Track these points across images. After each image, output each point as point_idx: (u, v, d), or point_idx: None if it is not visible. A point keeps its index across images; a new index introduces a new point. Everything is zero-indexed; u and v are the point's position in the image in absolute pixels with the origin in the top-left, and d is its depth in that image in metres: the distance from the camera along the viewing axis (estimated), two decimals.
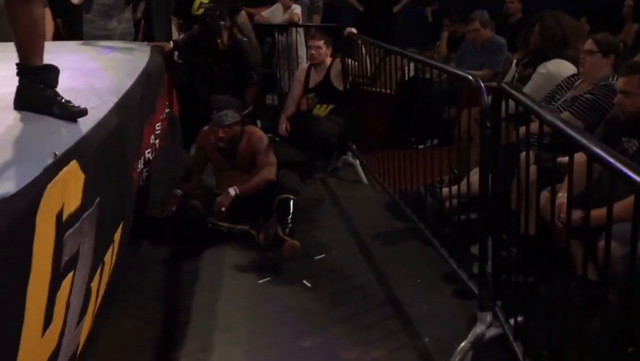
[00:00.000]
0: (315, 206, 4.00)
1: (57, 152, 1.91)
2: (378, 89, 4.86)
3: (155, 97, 3.77)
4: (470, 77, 2.66)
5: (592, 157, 1.68)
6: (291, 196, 3.43)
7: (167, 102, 4.16)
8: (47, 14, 4.28)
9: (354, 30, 4.86)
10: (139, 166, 3.22)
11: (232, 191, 3.49)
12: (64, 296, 1.87)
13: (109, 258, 2.54)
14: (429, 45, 6.71)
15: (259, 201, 3.55)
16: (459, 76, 2.96)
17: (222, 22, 4.53)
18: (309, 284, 3.03)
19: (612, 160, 1.57)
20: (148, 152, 3.50)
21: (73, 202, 1.98)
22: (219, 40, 4.64)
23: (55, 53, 3.39)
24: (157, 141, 3.88)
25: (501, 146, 2.42)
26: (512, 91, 2.26)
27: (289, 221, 3.33)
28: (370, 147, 4.65)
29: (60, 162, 1.87)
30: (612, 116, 2.63)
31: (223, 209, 3.45)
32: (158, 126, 3.92)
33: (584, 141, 1.72)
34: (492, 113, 2.34)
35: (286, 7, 5.89)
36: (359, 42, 4.73)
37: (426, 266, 3.17)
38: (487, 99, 2.39)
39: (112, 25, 4.23)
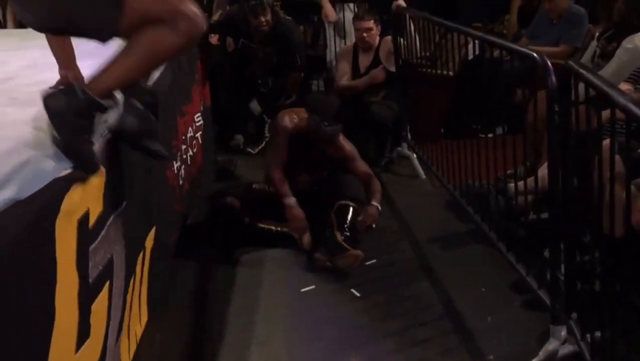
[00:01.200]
0: None
1: None
2: (436, 71, 4.81)
3: (190, 84, 3.82)
4: (535, 55, 2.60)
5: None
6: (352, 204, 3.47)
7: (202, 92, 4.22)
8: None
9: (402, 3, 4.83)
10: (175, 163, 3.27)
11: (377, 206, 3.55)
12: (102, 309, 1.93)
13: (139, 267, 2.60)
14: (498, 19, 6.59)
15: (312, 203, 3.59)
16: (522, 53, 2.90)
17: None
18: (357, 294, 3.04)
19: None
20: (185, 147, 3.54)
21: (97, 206, 2.04)
22: (264, 20, 4.69)
23: (76, 40, 3.51)
24: (198, 134, 3.94)
25: (577, 134, 2.35)
26: (581, 70, 2.20)
27: (347, 228, 3.35)
28: (428, 137, 4.61)
29: None
30: None
31: (374, 225, 3.56)
32: (198, 118, 3.98)
33: None
34: (560, 96, 2.28)
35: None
36: (407, 16, 4.68)
37: (491, 273, 3.13)
38: (554, 80, 2.34)
39: None
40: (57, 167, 1.79)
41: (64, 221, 1.77)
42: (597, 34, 4.38)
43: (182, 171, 3.40)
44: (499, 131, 3.54)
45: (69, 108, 1.81)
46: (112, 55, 1.89)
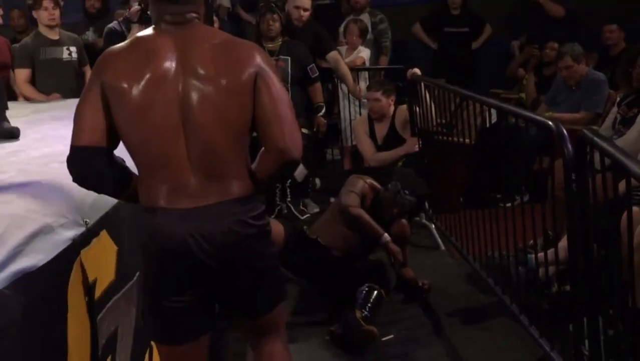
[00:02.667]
0: None
1: (87, 221, 2.05)
2: (454, 139, 4.89)
3: None
4: (550, 123, 2.67)
5: None
6: (379, 289, 3.51)
7: None
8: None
9: (417, 71, 4.96)
10: None
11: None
12: None
13: None
14: (516, 85, 6.73)
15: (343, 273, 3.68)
16: (537, 121, 2.97)
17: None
18: None
19: None
20: None
21: (106, 276, 2.10)
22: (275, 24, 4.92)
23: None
24: None
25: (597, 203, 2.39)
26: (595, 138, 2.26)
27: (368, 308, 3.40)
28: (447, 207, 4.64)
29: (89, 233, 2.00)
30: None
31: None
32: None
33: None
34: (577, 164, 2.33)
35: (353, 47, 6.00)
36: (422, 84, 4.81)
37: (514, 348, 3.10)
38: (570, 148, 2.39)
39: None
40: (65, 237, 1.87)
41: (74, 291, 1.83)
42: (617, 99, 4.46)
43: None
44: (520, 199, 3.57)
45: None
46: None
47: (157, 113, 1.91)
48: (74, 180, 1.96)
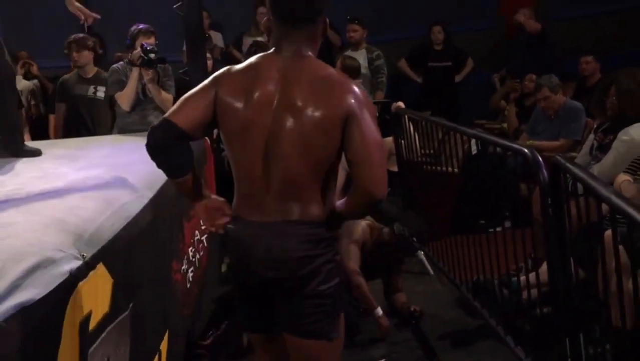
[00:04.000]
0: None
1: (85, 255, 2.04)
2: (440, 168, 4.92)
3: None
4: (526, 150, 2.70)
5: None
6: None
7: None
8: None
9: (401, 104, 5.00)
10: (182, 266, 3.31)
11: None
12: None
13: None
14: (499, 115, 6.79)
15: None
16: (515, 150, 3.00)
17: None
18: None
19: None
20: (192, 251, 3.60)
21: (100, 308, 2.09)
22: None
23: (87, 149, 3.67)
24: (204, 237, 4.00)
25: (573, 227, 2.40)
26: (567, 164, 2.28)
27: None
28: (434, 234, 4.64)
29: (87, 266, 1.99)
30: None
31: None
32: None
33: None
34: (552, 190, 2.35)
35: None
36: (406, 117, 4.84)
37: None
38: (546, 174, 2.41)
39: (148, 120, 4.51)
40: (63, 271, 1.86)
41: (69, 323, 1.82)
42: (594, 127, 4.50)
43: (190, 274, 3.45)
44: (507, 224, 3.60)
45: None
46: None
47: (250, 136, 2.04)
48: (147, 146, 2.11)
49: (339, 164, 2.07)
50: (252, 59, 2.13)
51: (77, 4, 3.12)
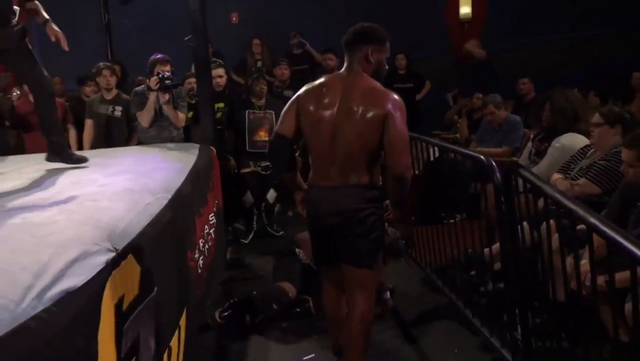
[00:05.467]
0: None
1: (117, 247, 2.01)
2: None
3: (205, 191, 3.91)
4: (482, 157, 2.71)
5: (591, 228, 1.68)
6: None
7: (215, 195, 4.30)
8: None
9: None
10: (195, 255, 3.28)
11: None
12: None
13: (176, 342, 2.57)
14: (452, 127, 6.82)
15: None
16: (472, 157, 3.01)
17: None
18: None
19: (609, 231, 1.58)
20: (202, 242, 3.58)
21: (131, 292, 2.06)
22: (264, 87, 5.18)
23: (114, 158, 3.63)
24: (212, 230, 3.98)
25: (520, 218, 2.42)
26: (518, 168, 2.30)
27: None
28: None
29: (119, 257, 1.97)
30: (626, 182, 2.62)
31: None
32: (211, 217, 4.04)
33: (581, 212, 1.73)
34: (504, 188, 2.36)
35: None
36: None
37: (462, 337, 3.09)
38: (499, 176, 2.42)
39: (164, 134, 4.47)
40: (99, 261, 1.83)
41: (106, 305, 1.79)
42: (531, 136, 4.55)
43: (201, 261, 3.42)
44: (460, 217, 3.61)
45: None
46: None
47: (321, 127, 2.46)
48: (268, 153, 2.82)
49: (381, 148, 2.42)
50: (323, 77, 2.61)
51: (55, 27, 3.03)
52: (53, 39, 3.01)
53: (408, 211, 4.94)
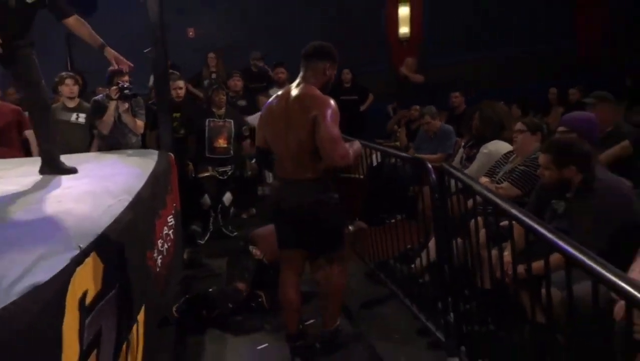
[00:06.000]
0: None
1: (81, 246, 1.99)
2: (350, 175, 4.99)
3: (164, 194, 3.87)
4: (420, 159, 2.80)
5: (513, 218, 1.79)
6: None
7: (174, 199, 4.25)
8: None
9: None
10: (154, 255, 3.25)
11: None
12: None
13: (134, 336, 2.55)
14: (392, 136, 6.98)
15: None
16: (412, 160, 3.11)
17: None
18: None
19: (529, 221, 1.69)
20: (161, 243, 3.54)
21: (94, 288, 2.04)
22: (224, 98, 5.18)
23: (76, 163, 3.55)
24: (170, 231, 3.94)
25: (452, 216, 2.52)
26: (452, 170, 2.41)
27: None
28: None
29: (83, 254, 1.95)
30: (542, 184, 2.77)
31: None
32: (170, 219, 4.00)
33: (505, 205, 1.84)
34: (439, 189, 2.46)
35: None
36: None
37: (402, 323, 3.17)
38: (434, 177, 2.53)
39: (123, 141, 4.40)
40: (64, 258, 1.81)
41: (71, 300, 1.77)
42: (462, 143, 4.72)
43: (159, 261, 3.39)
44: (400, 217, 3.71)
45: None
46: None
47: (276, 132, 2.68)
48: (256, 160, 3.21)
49: None
50: (280, 90, 2.81)
51: (114, 52, 3.03)
52: (114, 63, 3.00)
53: (354, 213, 5.07)
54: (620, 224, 2.40)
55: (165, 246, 3.69)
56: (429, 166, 2.67)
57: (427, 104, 5.72)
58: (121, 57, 3.01)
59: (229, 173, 5.22)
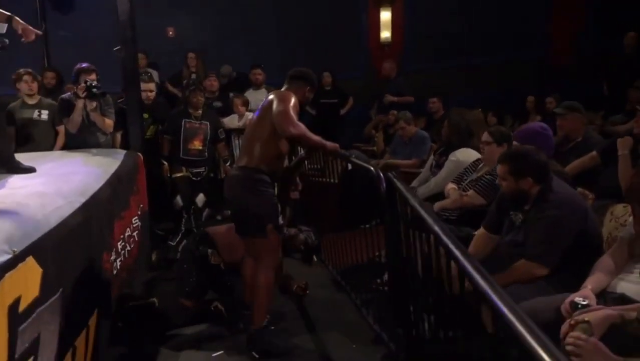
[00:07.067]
0: None
1: (15, 250, 1.91)
2: (326, 179, 4.95)
3: (129, 194, 3.79)
4: (372, 168, 2.76)
5: (434, 235, 1.73)
6: None
7: (140, 200, 4.18)
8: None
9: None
10: (112, 257, 3.17)
11: None
12: None
13: (82, 341, 2.47)
14: (371, 140, 6.94)
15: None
16: (363, 167, 3.05)
17: None
18: (256, 355, 2.94)
19: (443, 236, 1.63)
20: (122, 244, 3.46)
21: (30, 293, 1.96)
22: (201, 99, 5.13)
23: (34, 162, 3.46)
24: (135, 233, 3.86)
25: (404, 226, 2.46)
26: (393, 179, 2.35)
27: None
28: (324, 229, 4.63)
29: (15, 259, 1.87)
30: (501, 193, 2.73)
31: None
32: (135, 220, 3.91)
33: (429, 221, 1.79)
34: (387, 197, 2.41)
35: (241, 115, 5.81)
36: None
37: (361, 331, 3.12)
38: (384, 186, 2.47)
39: (92, 140, 4.32)
40: None
41: None
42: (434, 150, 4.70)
43: (118, 263, 3.30)
44: (375, 222, 3.62)
45: None
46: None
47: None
48: None
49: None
50: None
51: (23, 23, 2.88)
52: (22, 32, 2.85)
53: (328, 218, 5.01)
54: (575, 237, 2.36)
55: (128, 247, 3.61)
56: (380, 174, 2.61)
57: (403, 109, 5.69)
58: (29, 28, 2.88)
59: (203, 174, 5.14)
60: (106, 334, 2.86)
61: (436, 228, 1.71)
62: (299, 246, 3.79)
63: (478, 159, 3.66)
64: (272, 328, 3.09)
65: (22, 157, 3.85)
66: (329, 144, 3.08)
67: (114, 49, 4.22)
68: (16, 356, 1.76)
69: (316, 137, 2.97)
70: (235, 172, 2.99)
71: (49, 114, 4.55)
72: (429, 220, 1.83)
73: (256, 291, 2.93)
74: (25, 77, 4.51)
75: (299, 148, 4.26)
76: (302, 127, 2.84)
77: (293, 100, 2.90)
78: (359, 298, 3.20)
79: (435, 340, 2.34)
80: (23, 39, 2.87)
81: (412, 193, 2.19)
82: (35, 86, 4.58)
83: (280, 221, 2.96)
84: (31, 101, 4.60)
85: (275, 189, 3.06)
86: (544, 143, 2.86)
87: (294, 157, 3.81)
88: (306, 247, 3.76)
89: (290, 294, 3.71)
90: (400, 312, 2.46)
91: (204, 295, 3.16)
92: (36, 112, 4.58)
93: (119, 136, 4.72)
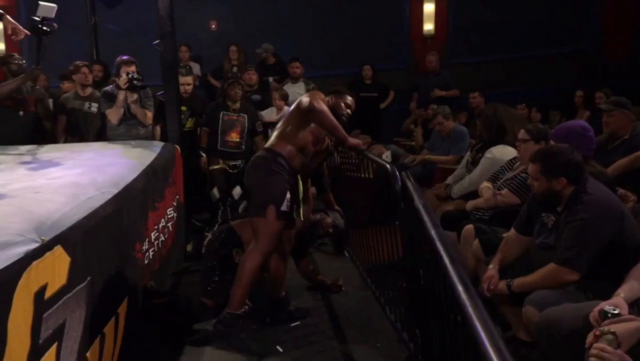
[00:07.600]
0: (298, 277, 3.81)
1: (44, 238, 1.98)
2: (361, 175, 4.89)
3: (163, 187, 3.87)
4: (387, 166, 2.69)
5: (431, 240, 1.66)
6: None
7: (176, 191, 4.26)
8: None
9: None
10: (144, 247, 3.24)
11: None
12: None
13: (111, 328, 2.54)
14: (410, 135, 6.84)
15: None
16: (379, 163, 3.00)
17: None
18: (280, 350, 2.94)
19: (436, 241, 1.57)
20: (155, 235, 3.54)
21: (57, 281, 2.03)
22: (240, 92, 5.15)
23: (77, 152, 3.58)
24: (169, 224, 3.94)
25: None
26: (405, 178, 2.29)
27: None
28: (358, 224, 4.59)
29: (43, 248, 1.94)
30: (533, 194, 2.63)
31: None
32: (170, 211, 4.00)
33: (428, 224, 1.73)
34: (403, 195, 2.35)
35: (279, 109, 5.80)
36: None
37: (385, 330, 3.07)
38: (400, 185, 2.41)
39: (132, 132, 4.44)
40: (18, 252, 1.80)
41: (22, 294, 1.76)
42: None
43: (151, 253, 3.38)
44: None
45: None
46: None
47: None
48: None
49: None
50: None
51: (12, 21, 2.93)
52: (11, 31, 2.93)
53: (363, 211, 4.97)
54: (608, 242, 2.25)
55: (162, 238, 3.69)
56: (395, 171, 2.54)
57: (445, 104, 5.56)
58: (19, 26, 2.92)
59: (240, 167, 5.20)
60: (138, 322, 2.93)
61: (432, 233, 1.66)
62: (327, 229, 3.68)
63: (515, 157, 3.54)
64: (297, 323, 3.08)
65: (68, 147, 4.04)
66: (351, 139, 3.02)
67: (153, 43, 4.31)
68: (40, 341, 1.82)
69: (338, 125, 2.98)
70: (259, 153, 3.12)
71: (98, 107, 4.72)
72: (428, 223, 1.78)
73: (239, 274, 2.88)
74: (84, 69, 4.75)
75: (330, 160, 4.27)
76: (324, 106, 2.94)
77: (323, 95, 3.06)
78: (382, 296, 3.15)
79: (451, 342, 2.27)
80: (13, 37, 2.93)
81: (419, 194, 2.12)
82: (90, 78, 4.82)
83: (284, 208, 2.87)
84: (84, 93, 4.81)
85: (300, 184, 3.03)
86: (581, 142, 2.73)
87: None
88: (335, 231, 3.68)
89: (319, 288, 3.70)
90: (416, 313, 2.40)
91: (226, 295, 3.16)
92: (87, 104, 4.79)
93: (158, 128, 4.83)
